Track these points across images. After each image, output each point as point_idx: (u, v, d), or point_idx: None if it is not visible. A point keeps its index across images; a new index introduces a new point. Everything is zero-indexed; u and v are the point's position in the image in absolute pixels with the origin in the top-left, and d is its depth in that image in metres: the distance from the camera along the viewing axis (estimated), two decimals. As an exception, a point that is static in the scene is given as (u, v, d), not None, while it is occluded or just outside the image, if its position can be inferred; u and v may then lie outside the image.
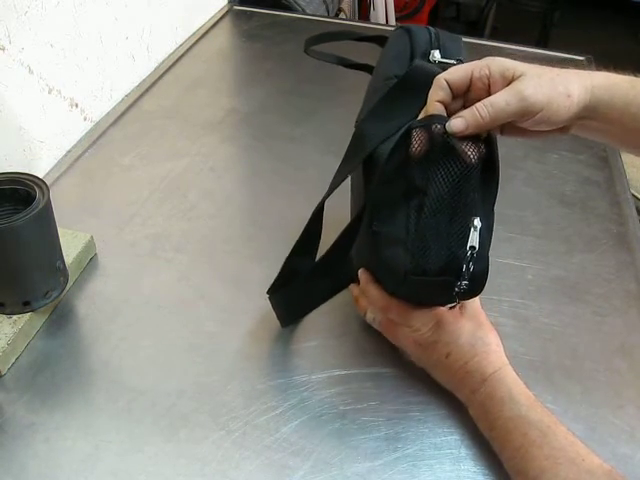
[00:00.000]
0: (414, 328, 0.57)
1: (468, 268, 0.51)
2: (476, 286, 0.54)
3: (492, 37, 2.83)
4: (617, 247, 0.77)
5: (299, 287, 0.62)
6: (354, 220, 0.57)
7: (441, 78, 0.51)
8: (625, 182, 0.89)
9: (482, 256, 0.52)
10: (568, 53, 1.24)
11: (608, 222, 0.81)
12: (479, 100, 0.50)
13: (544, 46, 2.77)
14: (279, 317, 0.64)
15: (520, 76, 0.49)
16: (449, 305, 0.57)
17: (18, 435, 0.54)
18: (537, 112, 0.49)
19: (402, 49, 0.60)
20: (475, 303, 0.58)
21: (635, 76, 0.52)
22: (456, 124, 0.50)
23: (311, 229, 0.59)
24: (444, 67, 0.54)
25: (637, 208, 0.86)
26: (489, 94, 0.50)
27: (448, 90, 0.51)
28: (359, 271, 0.61)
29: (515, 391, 0.52)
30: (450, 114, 0.52)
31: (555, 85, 0.49)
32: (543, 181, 0.88)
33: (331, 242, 0.58)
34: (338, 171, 0.58)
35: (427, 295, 0.57)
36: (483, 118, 0.49)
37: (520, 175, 0.88)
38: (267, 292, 0.62)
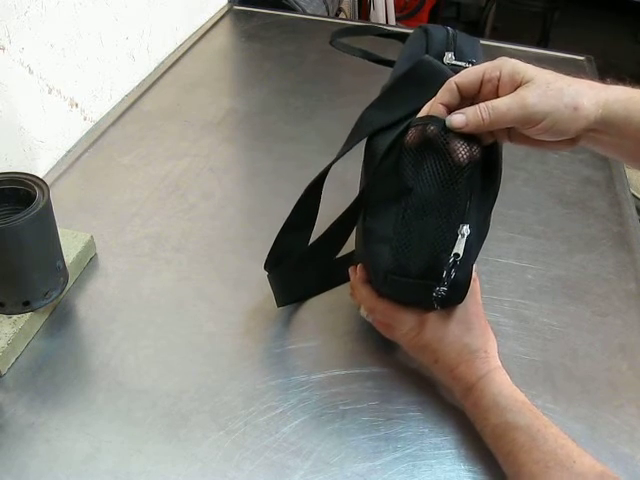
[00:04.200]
0: (402, 332, 0.57)
1: (449, 275, 0.51)
2: (455, 294, 0.53)
3: (492, 37, 2.83)
4: (617, 247, 0.77)
5: (293, 268, 0.62)
6: (348, 210, 0.57)
7: (452, 81, 0.51)
8: (625, 182, 0.89)
9: (466, 265, 0.52)
10: (568, 53, 1.24)
11: (608, 222, 0.81)
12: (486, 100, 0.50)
13: (544, 46, 2.77)
14: (275, 296, 0.65)
15: (528, 81, 0.48)
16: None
17: (18, 435, 0.54)
18: (539, 121, 0.48)
19: (417, 50, 0.60)
20: (466, 305, 0.56)
21: None
22: (456, 119, 0.50)
23: (304, 203, 0.59)
24: (455, 69, 0.54)
25: (637, 208, 0.86)
26: (497, 96, 0.50)
27: (456, 93, 0.50)
28: (350, 268, 0.61)
29: (501, 397, 0.52)
30: None
31: (562, 96, 0.48)
32: (543, 181, 0.88)
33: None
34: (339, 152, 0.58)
35: (407, 297, 0.56)
36: (484, 120, 0.49)
37: (520, 175, 0.88)
38: (264, 268, 0.62)
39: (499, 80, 0.49)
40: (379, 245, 0.54)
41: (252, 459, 0.53)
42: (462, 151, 0.50)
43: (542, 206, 0.83)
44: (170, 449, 0.54)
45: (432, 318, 0.56)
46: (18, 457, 0.53)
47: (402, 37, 0.68)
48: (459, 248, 0.50)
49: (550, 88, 0.48)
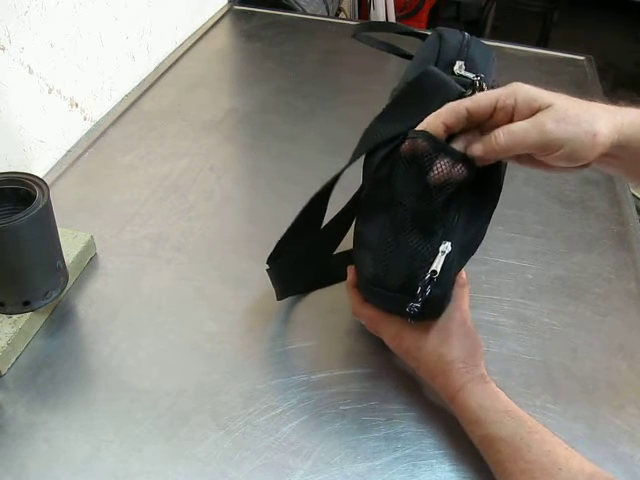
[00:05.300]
0: (386, 338, 0.58)
1: (424, 291, 0.50)
2: (429, 310, 0.53)
3: (492, 37, 2.83)
4: (617, 247, 0.77)
5: (291, 263, 0.62)
6: (343, 210, 0.58)
7: (462, 105, 0.49)
8: (625, 182, 0.89)
9: (443, 282, 0.51)
10: (568, 53, 1.24)
11: (608, 222, 0.81)
12: (498, 127, 0.49)
13: (544, 46, 2.77)
14: (275, 289, 0.65)
15: (547, 107, 0.47)
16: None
17: (18, 435, 0.54)
18: (558, 148, 0.47)
19: (429, 55, 0.59)
20: (449, 313, 0.56)
21: None
22: (474, 148, 0.49)
23: (308, 214, 0.59)
24: (461, 81, 0.53)
25: (637, 208, 0.86)
26: (511, 122, 0.49)
27: (463, 118, 0.49)
28: (348, 267, 0.61)
29: (481, 410, 0.51)
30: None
31: (581, 122, 0.47)
32: (543, 181, 0.88)
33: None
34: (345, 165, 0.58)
35: (386, 307, 0.57)
36: (498, 144, 0.48)
37: (520, 175, 0.88)
38: (267, 262, 0.63)
39: (514, 107, 0.48)
40: (364, 251, 0.55)
41: (252, 459, 0.53)
42: (443, 170, 0.49)
43: (542, 206, 0.83)
44: (170, 449, 0.54)
45: (411, 326, 0.55)
46: (18, 457, 0.53)
47: (423, 37, 0.68)
48: (437, 265, 0.50)
49: (569, 114, 0.47)
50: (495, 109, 0.49)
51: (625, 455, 0.55)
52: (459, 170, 0.49)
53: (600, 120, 0.47)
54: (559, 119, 0.47)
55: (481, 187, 0.52)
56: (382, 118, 0.56)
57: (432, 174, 0.49)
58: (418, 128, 0.51)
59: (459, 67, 0.56)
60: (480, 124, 0.50)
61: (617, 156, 0.49)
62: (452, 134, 0.51)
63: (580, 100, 0.49)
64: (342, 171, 0.57)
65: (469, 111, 0.49)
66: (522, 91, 0.49)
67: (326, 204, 0.59)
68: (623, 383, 0.61)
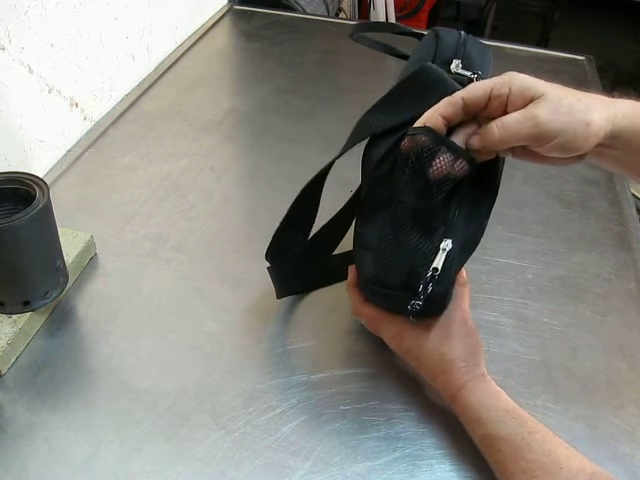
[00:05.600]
0: (387, 337, 0.58)
1: (425, 289, 0.50)
2: (431, 308, 0.53)
3: (492, 37, 2.83)
4: (617, 247, 0.77)
5: (291, 262, 0.63)
6: (342, 210, 0.58)
7: (458, 96, 0.49)
8: (625, 182, 0.89)
9: (445, 279, 0.51)
10: (568, 53, 1.24)
11: (608, 222, 0.81)
12: (493, 117, 0.49)
13: (544, 46, 2.77)
14: (275, 288, 0.65)
15: (539, 97, 0.47)
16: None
17: (18, 435, 0.54)
18: (552, 139, 0.47)
19: (425, 54, 0.59)
20: (449, 312, 0.56)
21: None
22: (472, 141, 0.50)
23: (303, 201, 0.59)
24: (458, 79, 0.53)
25: (637, 208, 0.86)
26: (505, 112, 0.49)
27: (460, 108, 0.49)
28: (348, 268, 0.61)
29: (482, 409, 0.51)
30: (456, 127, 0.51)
31: (574, 112, 0.47)
32: (543, 181, 0.88)
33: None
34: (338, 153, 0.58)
35: (387, 305, 0.57)
36: (493, 137, 0.48)
37: (520, 175, 0.88)
38: (265, 258, 0.63)
39: (508, 97, 0.48)
40: (364, 251, 0.55)
41: (252, 459, 0.53)
42: (445, 166, 0.49)
43: (542, 206, 0.83)
44: (170, 449, 0.54)
45: (412, 325, 0.55)
46: (18, 457, 0.53)
47: (421, 37, 0.68)
48: (438, 263, 0.50)
49: (562, 104, 0.47)
50: (490, 98, 0.49)
51: (625, 455, 0.55)
52: (460, 165, 0.49)
53: (594, 110, 0.47)
54: (552, 109, 0.47)
55: (480, 182, 0.52)
56: (377, 110, 0.56)
57: (433, 169, 0.49)
58: (416, 124, 0.51)
59: (456, 65, 0.56)
60: (476, 115, 0.51)
61: (611, 147, 0.49)
62: (450, 130, 0.51)
63: (574, 90, 0.49)
64: (334, 160, 0.57)
65: (465, 101, 0.49)
66: (517, 80, 0.49)
67: (320, 193, 0.59)
68: (623, 383, 0.61)
